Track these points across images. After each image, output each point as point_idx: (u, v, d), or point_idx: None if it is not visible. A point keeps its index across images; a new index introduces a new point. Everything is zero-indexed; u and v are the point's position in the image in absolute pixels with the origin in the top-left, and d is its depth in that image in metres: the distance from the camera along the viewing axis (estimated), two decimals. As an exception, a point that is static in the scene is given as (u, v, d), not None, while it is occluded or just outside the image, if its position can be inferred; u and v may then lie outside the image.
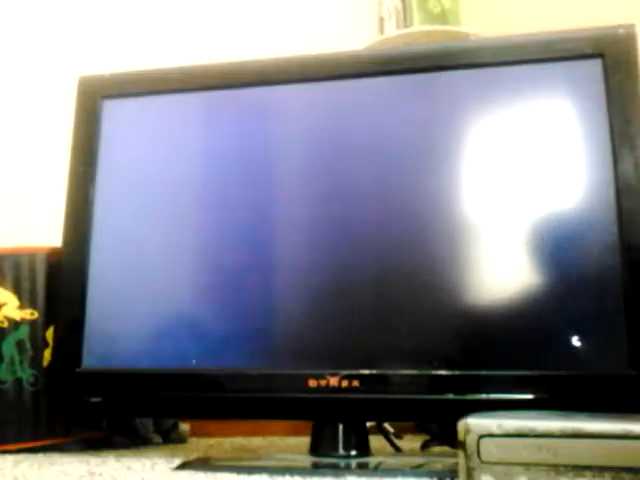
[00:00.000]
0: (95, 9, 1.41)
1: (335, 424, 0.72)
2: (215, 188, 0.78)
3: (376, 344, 0.70)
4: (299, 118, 0.78)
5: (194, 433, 1.02)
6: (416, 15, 1.72)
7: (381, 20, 1.79)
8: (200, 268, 0.77)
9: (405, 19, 1.73)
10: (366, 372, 0.69)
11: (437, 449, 0.85)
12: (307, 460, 0.71)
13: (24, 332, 0.80)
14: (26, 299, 0.81)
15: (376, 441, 0.77)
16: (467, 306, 0.69)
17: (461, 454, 0.50)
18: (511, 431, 0.49)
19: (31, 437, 0.79)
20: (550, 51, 0.72)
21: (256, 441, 1.02)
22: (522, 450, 0.48)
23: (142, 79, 0.83)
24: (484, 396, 0.66)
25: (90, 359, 0.76)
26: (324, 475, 0.62)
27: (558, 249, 0.68)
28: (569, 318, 0.67)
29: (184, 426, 0.99)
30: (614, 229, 0.67)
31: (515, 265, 0.69)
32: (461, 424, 0.51)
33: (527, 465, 0.48)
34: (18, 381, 0.79)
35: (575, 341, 0.66)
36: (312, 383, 0.70)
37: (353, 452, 0.71)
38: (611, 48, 0.71)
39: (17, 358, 0.80)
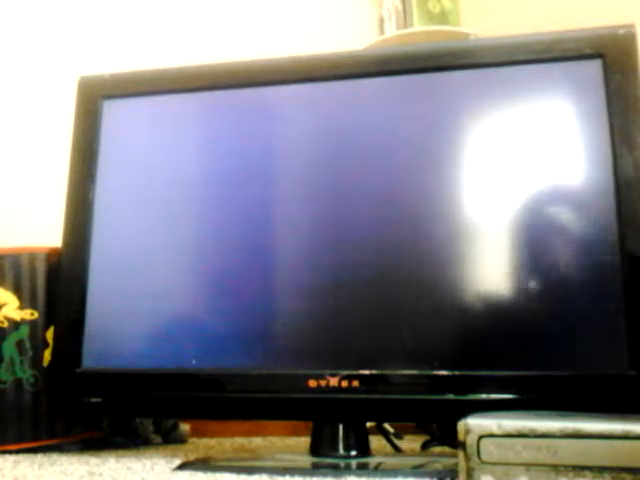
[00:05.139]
0: (95, 9, 1.41)
1: (335, 424, 0.72)
2: (215, 188, 0.78)
3: (376, 344, 0.70)
4: (299, 118, 0.78)
5: (194, 433, 1.02)
6: (416, 15, 1.72)
7: (381, 20, 1.79)
8: (200, 268, 0.77)
9: (405, 19, 1.73)
10: (366, 372, 0.69)
11: (437, 449, 0.85)
12: (307, 460, 0.71)
13: (24, 332, 0.80)
14: (26, 299, 0.81)
15: (376, 441, 0.77)
16: (467, 306, 0.69)
17: (461, 454, 0.50)
18: (511, 431, 0.49)
19: (31, 437, 0.79)
20: (550, 51, 0.72)
21: (256, 441, 1.02)
22: (522, 450, 0.48)
23: (142, 79, 0.83)
24: (484, 396, 0.66)
25: (90, 359, 0.76)
26: (324, 475, 0.62)
27: (558, 249, 0.68)
28: (569, 318, 0.67)
29: (184, 426, 0.99)
30: (614, 229, 0.67)
31: (515, 265, 0.69)
32: (461, 424, 0.51)
33: (527, 465, 0.48)
34: (18, 381, 0.79)
35: (575, 341, 0.66)
36: (312, 383, 0.70)
37: (353, 452, 0.71)
38: (611, 48, 0.71)
39: (17, 358, 0.80)
